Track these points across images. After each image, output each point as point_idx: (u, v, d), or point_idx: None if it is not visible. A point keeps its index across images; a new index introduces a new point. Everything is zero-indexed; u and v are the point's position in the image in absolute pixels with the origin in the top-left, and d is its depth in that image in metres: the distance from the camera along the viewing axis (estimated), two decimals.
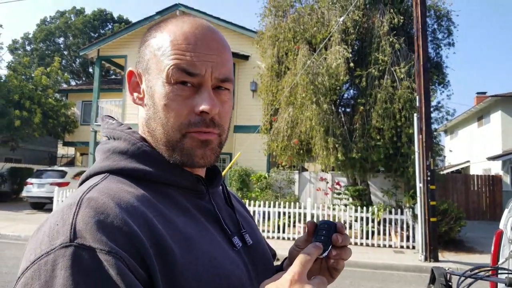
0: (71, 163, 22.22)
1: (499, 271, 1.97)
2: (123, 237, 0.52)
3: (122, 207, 0.55)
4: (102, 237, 0.51)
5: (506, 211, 2.37)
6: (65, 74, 25.28)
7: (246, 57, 14.38)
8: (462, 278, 1.66)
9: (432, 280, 1.87)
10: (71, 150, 23.27)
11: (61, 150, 24.01)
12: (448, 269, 1.81)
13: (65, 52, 33.48)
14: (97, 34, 32.36)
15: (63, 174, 14.35)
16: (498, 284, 2.24)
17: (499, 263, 2.30)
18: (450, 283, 1.73)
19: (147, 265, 0.53)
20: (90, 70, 32.47)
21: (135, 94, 0.70)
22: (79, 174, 14.77)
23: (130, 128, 0.70)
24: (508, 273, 1.75)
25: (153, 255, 0.54)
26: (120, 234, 0.52)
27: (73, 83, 30.82)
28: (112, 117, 0.74)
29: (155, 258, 0.54)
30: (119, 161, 0.64)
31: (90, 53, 16.62)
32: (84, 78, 32.75)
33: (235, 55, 14.24)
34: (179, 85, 0.63)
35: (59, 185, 12.93)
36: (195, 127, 0.64)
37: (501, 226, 2.37)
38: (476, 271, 1.71)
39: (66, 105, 18.66)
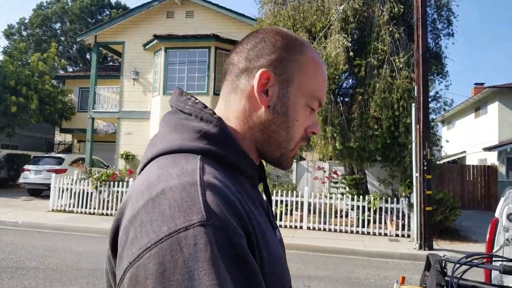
0: (68, 150, 22.16)
1: (494, 259, 2.01)
2: (242, 223, 0.57)
3: (234, 194, 0.60)
4: (230, 220, 0.55)
5: (502, 200, 2.41)
6: (62, 60, 25.05)
7: None
8: (457, 265, 1.70)
9: (428, 267, 1.91)
10: (68, 137, 23.19)
11: (58, 137, 23.95)
12: (443, 256, 1.85)
13: (62, 38, 33.09)
14: (94, 20, 31.97)
15: (60, 161, 14.36)
16: (492, 271, 2.29)
17: (493, 250, 2.35)
18: (445, 270, 1.77)
19: (253, 251, 0.59)
20: (88, 56, 32.17)
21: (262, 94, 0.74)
22: (76, 161, 14.77)
23: (215, 113, 0.72)
24: (502, 261, 1.80)
25: (255, 243, 0.60)
26: (239, 219, 0.57)
27: (70, 69, 30.50)
28: (186, 93, 0.77)
29: (256, 247, 0.60)
30: (211, 145, 0.67)
31: (87, 39, 16.46)
32: (81, 65, 32.44)
33: (234, 42, 14.12)
34: (311, 110, 0.76)
35: (56, 171, 12.93)
36: (301, 142, 0.77)
37: (496, 214, 2.42)
38: (471, 258, 1.75)
39: (63, 92, 18.53)
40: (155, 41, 14.20)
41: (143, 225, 0.54)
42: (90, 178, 10.85)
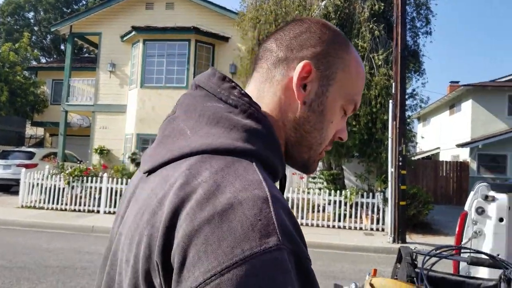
0: (40, 144, 21.48)
1: (462, 251, 2.08)
2: (302, 241, 0.53)
3: (289, 207, 0.56)
4: (299, 242, 0.51)
5: (471, 194, 2.49)
6: (35, 51, 24.33)
7: (226, 39, 14.19)
8: (427, 257, 1.75)
9: (399, 259, 1.96)
10: (40, 131, 22.49)
11: (30, 131, 23.18)
12: (414, 249, 1.90)
13: (35, 28, 32.05)
14: (70, 10, 31.08)
15: (31, 155, 13.97)
16: (461, 262, 2.37)
17: (462, 243, 2.43)
18: (415, 262, 1.82)
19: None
20: (62, 47, 31.26)
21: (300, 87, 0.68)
22: (48, 155, 14.38)
23: (260, 108, 0.64)
24: (470, 252, 1.86)
25: None
26: (301, 237, 0.53)
27: (43, 60, 29.59)
28: (230, 80, 0.66)
29: None
30: (263, 148, 0.59)
31: (62, 29, 15.98)
32: (55, 56, 31.48)
33: (215, 36, 14.03)
34: (344, 113, 0.71)
35: (27, 166, 12.52)
36: (329, 146, 0.72)
37: (466, 208, 2.50)
38: (440, 250, 1.80)
39: (36, 84, 17.97)
40: (133, 33, 13.92)
41: (209, 244, 0.47)
42: (62, 173, 10.58)
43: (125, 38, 14.52)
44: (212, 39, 14.08)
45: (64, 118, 15.65)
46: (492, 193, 2.41)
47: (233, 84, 0.64)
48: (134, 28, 13.80)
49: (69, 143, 16.55)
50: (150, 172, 0.61)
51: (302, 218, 9.58)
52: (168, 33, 13.70)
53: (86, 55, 24.16)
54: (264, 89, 0.67)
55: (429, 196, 9.93)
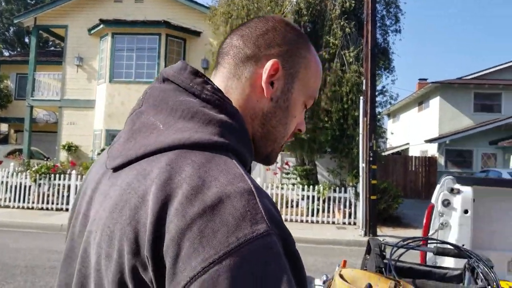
0: (4, 140, 20.69)
1: (429, 242, 2.12)
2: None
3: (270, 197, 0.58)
4: (285, 227, 0.54)
5: (438, 187, 2.55)
6: None
7: (197, 33, 14.01)
8: (395, 249, 1.76)
9: (368, 251, 1.97)
10: (4, 127, 21.63)
11: None
12: (382, 241, 1.92)
13: None
14: (34, 1, 29.85)
15: None
16: (427, 253, 2.42)
17: (429, 234, 2.48)
18: (384, 253, 1.83)
19: None
20: (26, 40, 30.05)
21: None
22: (12, 152, 13.85)
23: (232, 103, 0.65)
24: (436, 243, 1.89)
25: None
26: (284, 224, 0.56)
27: (6, 53, 28.36)
28: (203, 75, 0.66)
29: None
30: (237, 142, 0.62)
31: (26, 21, 15.34)
32: (19, 49, 30.24)
33: (186, 30, 13.83)
34: (304, 108, 0.75)
35: None
36: (290, 138, 0.76)
37: (433, 200, 2.55)
38: (408, 241, 1.82)
39: None
40: (101, 26, 13.53)
41: (204, 236, 0.48)
42: (29, 171, 10.20)
43: (92, 31, 14.09)
44: (183, 34, 13.88)
45: (30, 113, 15.10)
46: (457, 186, 2.47)
47: (205, 79, 0.65)
48: (102, 21, 13.40)
49: (35, 140, 15.97)
50: (120, 167, 0.60)
51: None
52: (138, 26, 13.39)
53: (52, 48, 23.33)
54: (232, 85, 0.69)
55: (398, 190, 10.19)
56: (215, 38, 12.09)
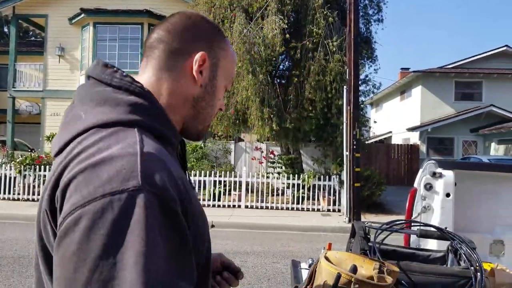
0: None
1: (412, 224, 2.20)
2: (177, 188, 0.62)
3: (170, 162, 0.65)
4: (167, 186, 0.59)
5: (420, 171, 2.63)
6: None
7: None
8: (379, 231, 1.83)
9: (353, 234, 2.05)
10: None
11: None
12: (367, 224, 1.99)
13: None
14: None
15: None
16: (411, 236, 2.51)
17: (412, 217, 2.57)
18: (368, 236, 1.91)
19: (186, 215, 0.64)
20: (6, 30, 29.12)
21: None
22: None
23: (142, 86, 0.74)
24: (419, 226, 1.97)
25: (188, 207, 0.65)
26: (176, 185, 0.62)
27: None
28: (112, 66, 0.76)
29: (189, 211, 0.65)
30: (145, 118, 0.70)
31: (4, 10, 14.85)
32: None
33: None
34: (225, 91, 0.89)
35: None
36: (214, 117, 0.89)
37: (415, 184, 2.64)
38: (392, 224, 1.90)
39: None
40: (83, 15, 13.24)
41: (79, 186, 0.58)
42: (13, 162, 10.06)
43: (73, 21, 13.77)
44: None
45: (12, 104, 14.81)
46: (439, 170, 2.55)
47: (115, 68, 0.74)
48: (83, 10, 13.12)
49: (19, 131, 15.66)
50: (57, 154, 0.70)
51: (262, 201, 9.72)
52: (120, 16, 13.15)
53: (33, 38, 22.70)
54: (165, 76, 0.78)
55: (382, 178, 10.39)
56: None
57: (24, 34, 23.35)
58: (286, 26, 9.86)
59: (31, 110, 16.43)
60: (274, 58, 10.35)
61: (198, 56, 0.78)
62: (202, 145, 12.56)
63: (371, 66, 12.44)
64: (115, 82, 0.72)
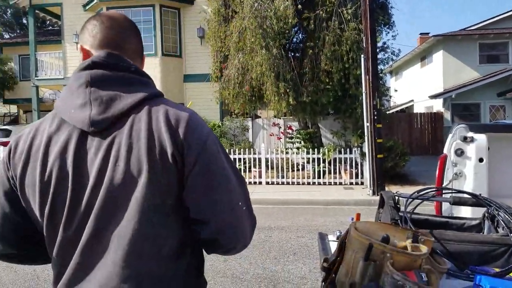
0: (14, 121, 20.93)
1: (444, 192, 2.08)
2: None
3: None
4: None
5: (450, 136, 2.48)
6: None
7: (191, 1, 13.61)
8: (410, 200, 1.73)
9: (382, 204, 1.94)
10: (13, 108, 21.74)
11: (3, 109, 22.28)
12: (396, 192, 1.88)
13: None
14: None
15: (7, 133, 13.85)
16: (443, 205, 2.39)
17: (443, 185, 2.44)
18: (398, 206, 1.80)
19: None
20: (24, 21, 29.40)
21: None
22: None
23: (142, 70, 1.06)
24: (452, 193, 1.85)
25: None
26: None
27: (6, 36, 27.86)
28: (123, 57, 0.99)
29: None
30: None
31: (21, 1, 15.04)
32: (18, 30, 29.73)
33: None
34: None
35: (4, 144, 12.11)
36: None
37: (445, 150, 2.49)
38: (423, 192, 1.78)
39: (1, 60, 17.16)
40: (95, 1, 13.20)
41: (198, 126, 0.93)
42: None
43: (87, 7, 13.76)
44: (177, 3, 13.49)
45: (36, 93, 15.19)
46: (470, 134, 2.39)
47: (128, 60, 0.98)
48: None
49: None
50: (105, 129, 0.89)
51: (282, 177, 9.68)
52: None
53: (50, 27, 22.91)
54: (137, 63, 1.05)
55: (405, 148, 10.13)
56: (209, 4, 11.75)
57: (42, 24, 23.55)
58: None
59: (54, 97, 16.82)
60: (287, 31, 10.09)
61: (143, 54, 1.15)
62: (220, 123, 12.51)
63: (388, 32, 11.97)
64: (133, 68, 0.96)
